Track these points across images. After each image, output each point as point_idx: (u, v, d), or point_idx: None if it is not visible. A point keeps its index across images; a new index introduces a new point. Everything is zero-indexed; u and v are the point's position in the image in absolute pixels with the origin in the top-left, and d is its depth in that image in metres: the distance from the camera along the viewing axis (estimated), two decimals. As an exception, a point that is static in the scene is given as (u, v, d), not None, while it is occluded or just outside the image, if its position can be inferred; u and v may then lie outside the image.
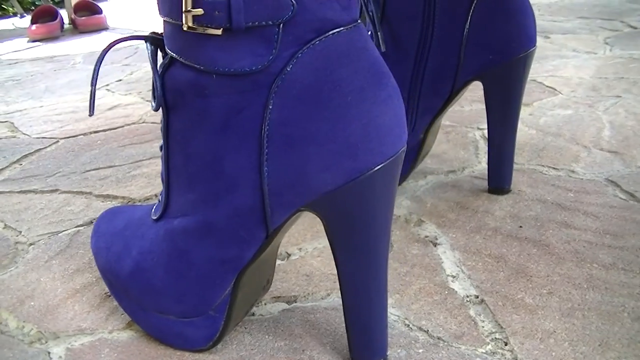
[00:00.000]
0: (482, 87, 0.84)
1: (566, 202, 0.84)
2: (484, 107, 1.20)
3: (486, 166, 0.95)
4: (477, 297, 0.66)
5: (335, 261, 0.52)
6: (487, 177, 0.90)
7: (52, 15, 2.56)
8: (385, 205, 0.49)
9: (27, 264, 0.77)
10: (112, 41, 0.53)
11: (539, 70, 1.48)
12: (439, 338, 0.60)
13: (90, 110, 0.50)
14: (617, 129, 1.09)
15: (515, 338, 0.59)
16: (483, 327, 0.61)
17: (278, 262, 0.74)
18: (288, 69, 0.45)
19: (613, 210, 0.82)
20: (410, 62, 0.83)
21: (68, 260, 0.77)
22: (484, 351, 0.58)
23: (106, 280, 0.63)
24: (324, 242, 0.77)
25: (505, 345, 0.58)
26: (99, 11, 2.67)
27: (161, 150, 0.55)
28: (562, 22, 2.02)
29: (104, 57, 0.52)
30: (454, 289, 0.67)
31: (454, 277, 0.69)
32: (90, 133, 1.26)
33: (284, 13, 0.44)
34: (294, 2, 0.44)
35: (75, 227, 0.86)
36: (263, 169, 0.48)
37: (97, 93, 1.58)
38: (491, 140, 0.86)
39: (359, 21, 0.47)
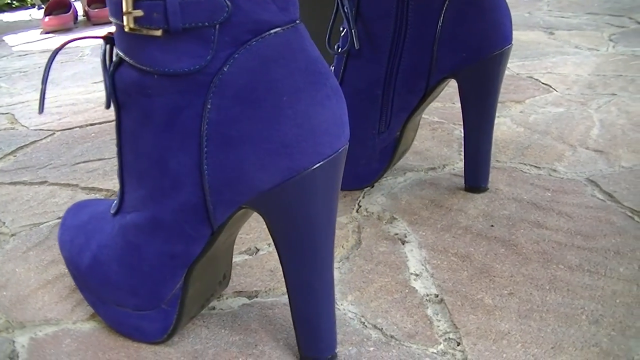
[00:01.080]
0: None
1: (542, 201, 0.84)
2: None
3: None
4: (437, 296, 0.66)
5: (279, 259, 0.53)
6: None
7: (66, 7, 2.59)
8: (327, 205, 0.50)
9: (6, 254, 0.79)
10: (66, 40, 0.55)
11: (537, 67, 1.47)
12: (391, 336, 0.60)
13: (40, 109, 0.51)
14: (607, 127, 1.09)
15: (469, 338, 0.60)
16: (438, 326, 0.62)
17: (245, 257, 0.75)
18: (225, 69, 0.46)
19: (588, 210, 0.82)
20: (384, 60, 0.83)
21: (45, 251, 0.79)
22: (434, 351, 0.58)
23: (70, 273, 0.64)
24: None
25: (458, 345, 0.59)
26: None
27: (116, 146, 0.57)
28: (570, 17, 2.01)
29: (55, 56, 0.53)
30: (414, 288, 0.68)
31: (417, 275, 0.70)
32: (86, 125, 1.28)
33: (220, 14, 0.45)
34: (228, 3, 0.45)
35: (57, 219, 0.87)
36: (203, 168, 0.49)
37: (99, 86, 1.60)
38: (467, 139, 0.86)
39: (297, 22, 0.48)
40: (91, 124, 1.28)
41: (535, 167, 0.95)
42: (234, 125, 0.47)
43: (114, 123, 1.18)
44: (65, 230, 0.65)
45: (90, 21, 2.62)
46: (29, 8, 3.41)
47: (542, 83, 1.36)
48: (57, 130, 1.25)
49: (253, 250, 0.77)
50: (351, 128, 0.87)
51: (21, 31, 2.61)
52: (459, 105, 1.26)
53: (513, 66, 1.49)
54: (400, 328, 0.62)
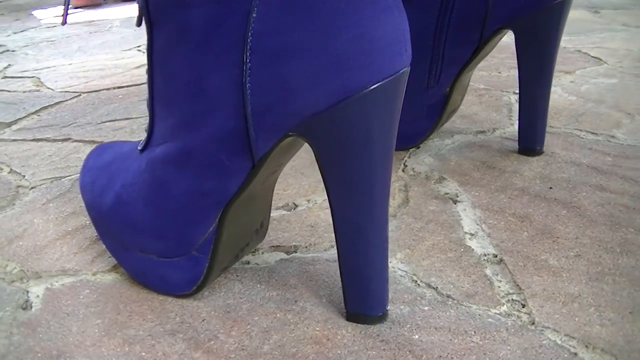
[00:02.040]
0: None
1: (603, 165, 0.77)
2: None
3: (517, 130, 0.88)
4: (495, 256, 0.59)
5: (328, 198, 0.46)
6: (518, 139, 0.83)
7: (95, -17, 2.54)
8: (384, 133, 0.43)
9: (24, 206, 0.73)
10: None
11: (584, 42, 1.39)
12: (447, 296, 0.54)
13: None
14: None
15: (535, 300, 0.53)
16: (499, 287, 0.55)
17: (283, 212, 0.69)
18: (273, -29, 0.40)
19: None
20: (435, 8, 0.76)
21: (66, 203, 0.73)
22: (497, 312, 0.52)
23: (91, 217, 0.58)
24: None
25: (523, 307, 0.52)
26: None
27: (147, 74, 0.50)
28: (617, -4, 1.92)
29: None
30: (470, 247, 0.61)
31: (472, 234, 0.63)
32: (114, 88, 1.22)
33: None
34: None
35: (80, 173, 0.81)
36: (245, 87, 0.42)
37: (127, 53, 1.55)
38: (522, 97, 0.79)
39: None
40: (118, 87, 1.22)
41: (592, 133, 0.88)
42: (282, 36, 0.40)
43: (142, 86, 1.13)
44: (87, 172, 0.59)
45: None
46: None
47: (592, 56, 1.29)
48: (84, 92, 1.20)
49: (291, 206, 0.70)
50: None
51: (50, 6, 2.57)
52: (505, 74, 1.18)
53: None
54: (457, 287, 0.55)
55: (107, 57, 1.51)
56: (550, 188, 0.72)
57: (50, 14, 2.30)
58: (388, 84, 0.42)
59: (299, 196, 0.72)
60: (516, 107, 0.99)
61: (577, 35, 1.46)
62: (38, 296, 0.56)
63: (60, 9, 2.38)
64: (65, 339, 0.50)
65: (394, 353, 0.47)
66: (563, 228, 0.64)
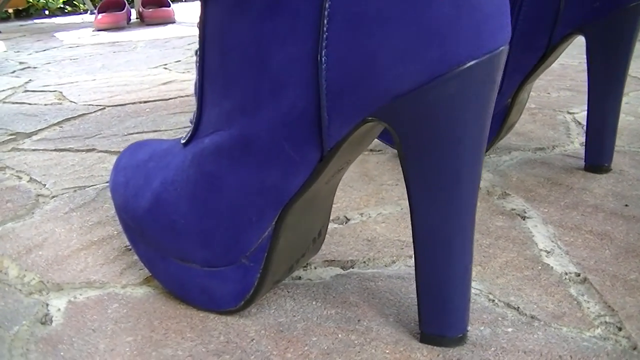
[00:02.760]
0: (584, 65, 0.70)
1: None
2: (572, 94, 1.06)
3: (579, 147, 0.82)
4: (578, 275, 0.52)
5: (409, 201, 0.39)
6: (582, 156, 0.77)
7: (120, 6, 2.51)
8: (478, 122, 0.36)
9: (45, 214, 0.66)
10: None
11: (632, 67, 1.32)
12: (532, 317, 0.46)
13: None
14: None
15: (632, 323, 0.46)
16: (588, 308, 0.47)
17: (334, 225, 0.61)
18: None
19: None
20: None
21: (90, 213, 0.66)
22: (591, 335, 0.44)
23: (122, 222, 0.51)
24: (390, 209, 0.64)
25: (619, 330, 0.45)
26: (166, 4, 2.61)
27: (196, 54, 0.43)
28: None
29: None
30: (548, 265, 0.53)
31: (548, 252, 0.55)
32: (140, 102, 1.16)
33: None
34: None
35: (106, 182, 0.74)
36: (321, 61, 0.35)
37: (154, 71, 1.49)
38: (591, 109, 0.72)
39: None
40: (145, 101, 1.16)
41: (661, 151, 0.80)
42: (367, 1, 0.33)
43: (170, 101, 1.06)
44: (119, 171, 0.52)
45: (144, 22, 2.54)
46: (82, 13, 3.36)
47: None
48: (108, 106, 1.14)
49: (343, 219, 0.63)
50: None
51: (73, 29, 2.54)
52: (554, 94, 1.12)
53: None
54: (542, 307, 0.47)
55: (132, 73, 1.46)
56: (626, 205, 0.65)
57: (73, 36, 2.26)
58: (487, 62, 0.35)
59: (350, 209, 0.65)
60: (573, 125, 0.92)
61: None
62: (59, 310, 0.49)
63: (86, 32, 2.34)
64: (91, 358, 0.42)
65: (481, 382, 0.39)
66: (650, 247, 0.56)
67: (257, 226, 0.42)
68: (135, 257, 0.55)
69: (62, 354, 0.43)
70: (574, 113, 0.99)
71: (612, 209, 0.64)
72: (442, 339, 0.43)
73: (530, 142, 0.85)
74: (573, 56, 1.49)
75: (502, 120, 0.75)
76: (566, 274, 0.52)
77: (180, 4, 3.47)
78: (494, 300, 0.49)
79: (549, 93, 1.14)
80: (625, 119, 0.96)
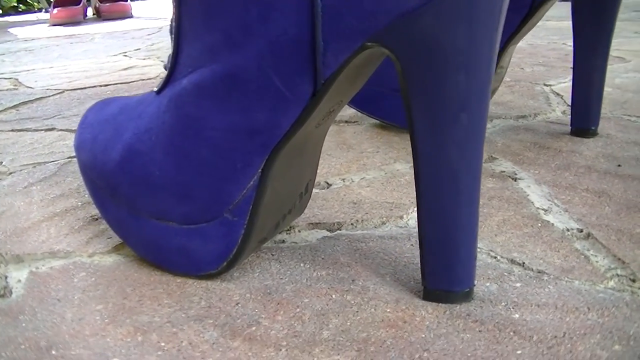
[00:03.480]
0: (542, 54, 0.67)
1: None
2: (546, 69, 1.04)
3: (562, 115, 0.79)
4: (580, 230, 0.48)
5: (413, 138, 0.35)
6: (565, 123, 0.74)
7: (76, 1, 2.43)
8: (485, 41, 0.32)
9: (1, 189, 0.60)
10: None
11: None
12: (539, 271, 0.42)
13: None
14: None
15: (645, 276, 0.41)
16: (597, 262, 0.44)
17: (316, 190, 0.57)
18: None
19: None
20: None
21: (52, 186, 0.61)
22: (606, 287, 0.41)
23: (89, 183, 0.46)
24: (373, 174, 0.60)
25: (634, 282, 0.41)
26: (123, -2, 2.54)
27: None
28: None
29: None
30: (548, 222, 0.50)
31: (545, 210, 0.52)
32: (101, 86, 1.11)
33: None
34: None
35: (68, 157, 0.69)
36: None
37: (113, 58, 1.43)
38: (578, 71, 0.69)
39: None
40: (105, 85, 1.10)
41: (645, 117, 0.77)
42: None
43: (133, 83, 1.01)
44: (86, 128, 0.47)
45: (101, 16, 2.47)
46: (36, 12, 3.26)
47: (614, 56, 1.20)
48: (67, 90, 1.08)
49: (324, 185, 0.59)
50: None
51: (27, 25, 2.46)
52: (528, 69, 1.09)
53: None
54: (549, 263, 0.43)
55: (90, 61, 1.40)
56: (619, 166, 0.62)
57: (28, 31, 2.18)
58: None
59: (331, 175, 0.61)
60: (552, 96, 0.89)
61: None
62: (19, 281, 0.44)
63: (41, 27, 2.27)
64: (57, 328, 0.38)
65: (495, 335, 0.35)
66: (651, 203, 0.53)
67: (242, 174, 0.38)
68: (103, 226, 0.50)
69: (23, 325, 0.38)
70: (551, 85, 0.96)
71: (605, 169, 0.61)
72: (448, 295, 0.39)
73: (511, 111, 0.82)
74: (541, 37, 1.47)
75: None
76: (568, 230, 0.49)
77: (137, 1, 3.40)
78: (496, 257, 0.45)
79: (522, 68, 1.11)
80: (604, 90, 0.94)
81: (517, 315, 0.38)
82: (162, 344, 0.36)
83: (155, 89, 0.42)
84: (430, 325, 0.37)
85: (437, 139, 0.35)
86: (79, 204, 0.57)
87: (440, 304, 0.39)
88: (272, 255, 0.46)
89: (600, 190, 0.56)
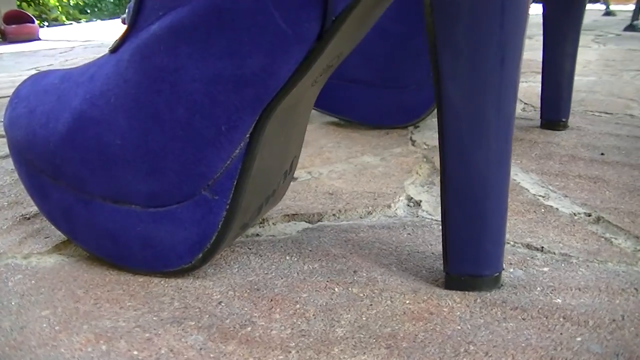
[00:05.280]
0: None
1: None
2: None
3: (521, 112, 0.75)
4: (589, 215, 0.43)
5: (439, 92, 0.29)
6: (531, 117, 0.71)
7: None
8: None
9: None
10: None
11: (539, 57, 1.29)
12: (564, 255, 0.36)
13: None
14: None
15: (674, 256, 0.36)
16: (620, 244, 0.38)
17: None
18: None
19: None
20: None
21: (-32, 189, 0.51)
22: (641, 270, 0.35)
23: (24, 167, 0.37)
24: (342, 167, 0.54)
25: (668, 263, 0.35)
26: (31, 21, 2.40)
27: None
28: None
29: None
30: (551, 206, 0.45)
31: (543, 196, 0.47)
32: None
33: None
34: None
35: (-17, 161, 0.59)
36: None
37: (26, 73, 1.32)
38: (548, 59, 0.65)
39: None
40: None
41: (607, 113, 0.75)
42: None
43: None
44: (21, 102, 0.39)
45: (7, 39, 2.32)
46: None
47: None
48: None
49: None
50: (401, 36, 0.64)
51: None
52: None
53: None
54: (569, 246, 0.38)
55: (2, 75, 1.28)
56: (602, 154, 0.57)
57: None
58: None
59: (297, 168, 0.54)
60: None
61: (530, 51, 1.36)
62: None
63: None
64: (-9, 342, 0.28)
65: (543, 322, 0.29)
66: (650, 187, 0.48)
67: (227, 138, 0.30)
68: (37, 225, 0.42)
69: (-55, 339, 0.29)
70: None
71: (590, 157, 0.57)
72: (476, 280, 0.32)
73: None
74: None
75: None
76: (575, 214, 0.43)
77: (44, 27, 3.25)
78: (509, 243, 0.39)
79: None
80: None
81: (559, 300, 0.32)
82: (135, 353, 0.28)
83: (111, 47, 0.34)
84: (463, 316, 0.30)
85: (469, 88, 0.29)
86: (5, 203, 0.47)
87: (466, 292, 0.32)
88: (249, 249, 0.38)
89: (594, 177, 0.51)
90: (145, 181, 0.32)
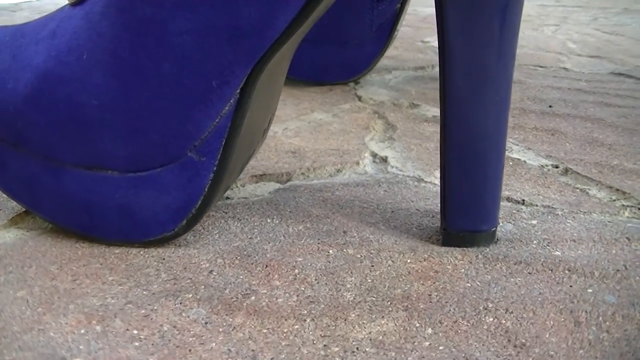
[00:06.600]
0: None
1: (585, 88, 0.64)
2: (412, 29, 1.00)
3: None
4: (556, 166, 0.43)
5: (442, 44, 0.27)
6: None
7: None
8: None
9: None
10: None
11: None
12: (547, 207, 0.36)
13: None
14: (580, 43, 0.92)
15: (654, 204, 0.37)
16: (595, 195, 0.38)
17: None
18: None
19: None
20: None
21: None
22: (630, 217, 0.35)
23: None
24: (295, 124, 0.52)
25: (647, 211, 0.36)
26: None
27: None
28: None
29: None
30: (518, 159, 0.45)
31: (507, 149, 0.46)
32: None
33: None
34: None
35: None
36: None
37: None
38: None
39: None
40: None
41: (542, 67, 0.76)
42: None
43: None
44: None
45: None
46: None
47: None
48: None
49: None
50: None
51: None
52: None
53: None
54: (549, 198, 0.38)
55: None
56: (550, 107, 0.58)
57: None
58: None
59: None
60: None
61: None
62: None
63: None
64: (-37, 329, 0.25)
65: (550, 276, 0.29)
66: (604, 137, 0.50)
67: (217, 95, 0.28)
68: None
69: None
70: (427, 42, 0.92)
71: (539, 110, 0.57)
72: (474, 236, 0.31)
73: (405, 63, 0.76)
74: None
75: (390, 31, 0.65)
76: (543, 166, 0.44)
77: None
78: (490, 196, 0.38)
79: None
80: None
81: (558, 253, 0.31)
82: (135, 332, 0.25)
83: (68, 1, 0.30)
84: (469, 273, 0.29)
85: (473, 37, 0.28)
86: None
87: (466, 248, 0.31)
88: (225, 212, 0.36)
89: (550, 129, 0.52)
90: (124, 144, 0.29)
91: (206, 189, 0.30)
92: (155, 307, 0.27)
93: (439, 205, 0.33)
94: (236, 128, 0.29)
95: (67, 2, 0.31)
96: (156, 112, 0.29)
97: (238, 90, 0.29)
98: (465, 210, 0.31)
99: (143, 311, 0.27)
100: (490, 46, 0.29)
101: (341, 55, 0.65)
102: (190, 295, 0.28)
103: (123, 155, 0.30)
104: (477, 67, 0.29)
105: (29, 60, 0.30)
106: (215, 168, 0.30)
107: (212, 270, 0.30)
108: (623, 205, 0.38)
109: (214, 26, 0.27)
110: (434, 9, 0.71)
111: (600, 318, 0.26)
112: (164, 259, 0.31)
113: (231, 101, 0.29)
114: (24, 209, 0.35)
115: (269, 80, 0.30)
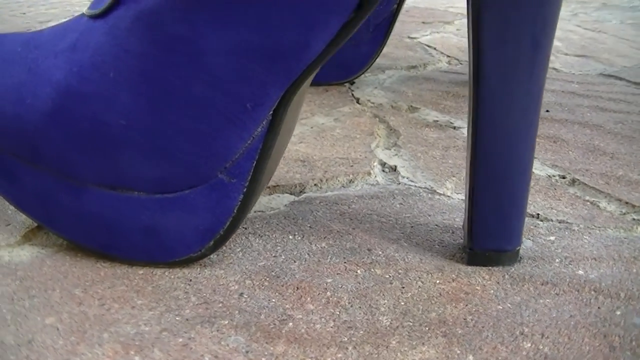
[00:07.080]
0: None
1: (578, 91, 0.65)
2: (398, 24, 1.01)
3: (448, 65, 0.75)
4: (563, 177, 0.43)
5: (475, 62, 0.27)
6: (460, 72, 0.72)
7: None
8: None
9: None
10: None
11: (437, 3, 1.30)
12: (562, 222, 0.36)
13: None
14: (565, 40, 0.93)
15: (663, 218, 0.38)
16: (605, 208, 0.39)
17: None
18: None
19: (636, 95, 0.63)
20: None
21: None
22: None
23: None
24: (298, 129, 0.51)
25: (660, 226, 0.37)
26: None
27: None
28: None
29: None
30: (527, 169, 0.44)
31: (513, 158, 0.46)
32: None
33: None
34: None
35: None
36: None
37: None
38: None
39: None
40: None
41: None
42: None
43: None
44: None
45: None
46: None
47: (459, 12, 1.19)
48: None
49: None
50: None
51: None
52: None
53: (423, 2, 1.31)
54: (563, 212, 0.38)
55: None
56: (548, 111, 0.59)
57: None
58: None
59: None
60: (427, 48, 0.86)
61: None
62: None
63: None
64: (-4, 358, 0.25)
65: (577, 297, 0.29)
66: (605, 145, 0.50)
67: (250, 117, 0.27)
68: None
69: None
70: (415, 38, 0.92)
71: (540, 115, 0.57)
72: (499, 256, 0.32)
73: (397, 62, 0.76)
74: None
75: (386, 31, 0.65)
76: (550, 177, 0.44)
77: None
78: (505, 210, 0.38)
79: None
80: (464, 41, 0.91)
81: (581, 272, 0.32)
82: (176, 362, 0.25)
83: (96, 11, 0.30)
84: (499, 294, 0.30)
85: (505, 62, 0.28)
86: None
87: (492, 268, 0.32)
88: (244, 228, 0.36)
89: (551, 136, 0.52)
90: (152, 165, 0.29)
91: (235, 210, 0.30)
92: (192, 335, 0.27)
93: (457, 220, 0.33)
94: (267, 150, 0.29)
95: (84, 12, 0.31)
96: (187, 134, 0.28)
97: (271, 112, 0.28)
98: (492, 231, 0.31)
99: (180, 340, 0.27)
100: (520, 70, 0.29)
101: (337, 55, 0.65)
102: (227, 322, 0.28)
103: (151, 176, 0.29)
104: (509, 89, 0.29)
105: (49, 75, 0.30)
106: (245, 190, 0.30)
107: (242, 293, 0.30)
108: (634, 219, 0.39)
109: (248, 47, 0.26)
110: (416, 0, 0.71)
111: (634, 342, 0.27)
112: (190, 280, 0.31)
113: (263, 123, 0.28)
114: (35, 224, 0.35)
115: (297, 100, 0.30)
